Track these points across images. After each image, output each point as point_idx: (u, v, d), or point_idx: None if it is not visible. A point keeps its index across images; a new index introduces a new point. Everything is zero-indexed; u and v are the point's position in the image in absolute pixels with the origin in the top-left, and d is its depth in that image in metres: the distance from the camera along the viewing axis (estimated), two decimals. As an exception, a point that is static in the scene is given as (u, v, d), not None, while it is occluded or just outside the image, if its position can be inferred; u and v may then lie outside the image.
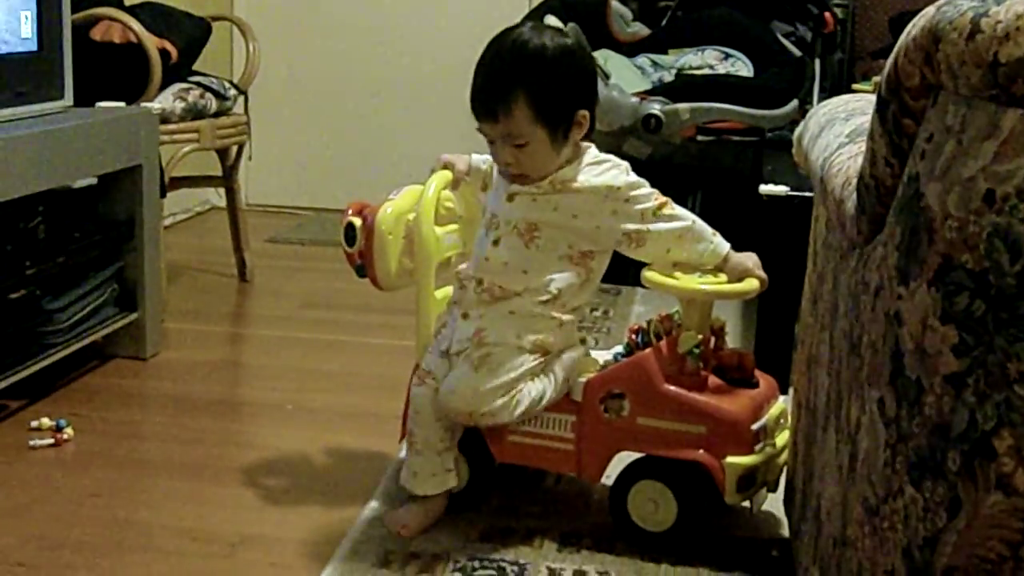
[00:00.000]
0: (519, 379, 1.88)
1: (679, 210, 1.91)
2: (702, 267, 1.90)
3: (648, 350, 1.90)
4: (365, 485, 2.13)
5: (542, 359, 1.89)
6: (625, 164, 1.93)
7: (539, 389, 1.89)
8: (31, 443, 2.28)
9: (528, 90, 1.81)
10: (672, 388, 1.86)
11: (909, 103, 1.03)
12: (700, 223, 1.91)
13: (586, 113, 1.87)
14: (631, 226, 1.87)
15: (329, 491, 2.13)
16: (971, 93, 0.93)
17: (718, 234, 1.92)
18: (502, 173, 1.92)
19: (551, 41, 1.85)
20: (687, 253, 1.89)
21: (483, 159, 2.04)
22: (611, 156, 1.94)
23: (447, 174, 2.02)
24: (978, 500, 0.92)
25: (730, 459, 1.83)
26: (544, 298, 1.89)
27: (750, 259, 1.91)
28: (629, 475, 1.92)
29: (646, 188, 1.90)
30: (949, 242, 0.94)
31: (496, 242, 1.91)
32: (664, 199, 1.91)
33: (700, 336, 1.87)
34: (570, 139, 1.87)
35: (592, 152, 1.92)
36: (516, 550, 1.89)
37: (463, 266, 1.99)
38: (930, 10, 0.98)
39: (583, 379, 1.92)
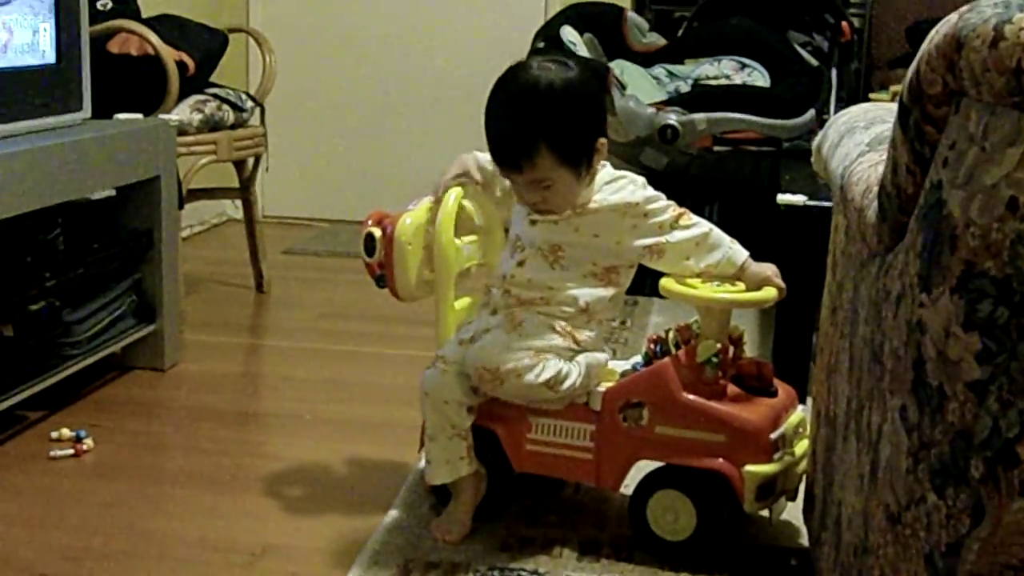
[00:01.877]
0: (548, 349, 1.89)
1: (696, 219, 1.92)
2: (720, 276, 1.91)
3: (667, 359, 1.90)
4: (384, 494, 2.13)
5: (572, 346, 1.91)
6: (641, 179, 1.94)
7: (566, 369, 1.90)
8: (51, 454, 2.28)
9: (548, 139, 1.81)
10: (691, 397, 1.86)
11: (931, 110, 1.03)
12: (717, 231, 1.92)
13: (604, 140, 1.88)
14: (650, 240, 1.89)
15: (348, 501, 2.13)
16: (994, 100, 0.93)
17: (736, 243, 1.92)
18: (520, 200, 1.93)
19: (559, 79, 1.83)
20: (705, 262, 1.90)
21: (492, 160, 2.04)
22: (626, 172, 1.95)
23: (460, 190, 2.03)
24: (1001, 507, 0.92)
25: (749, 467, 1.83)
26: (571, 310, 1.91)
27: (768, 268, 1.91)
28: (648, 485, 1.92)
29: (663, 201, 1.92)
30: (972, 249, 0.94)
31: (521, 263, 1.93)
32: (681, 210, 1.92)
33: (718, 345, 1.86)
34: (592, 168, 1.88)
35: (607, 170, 1.93)
36: (536, 559, 1.89)
37: (486, 280, 2.01)
38: (953, 17, 0.98)
39: (602, 388, 1.92)
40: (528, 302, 1.92)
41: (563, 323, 1.91)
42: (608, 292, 1.93)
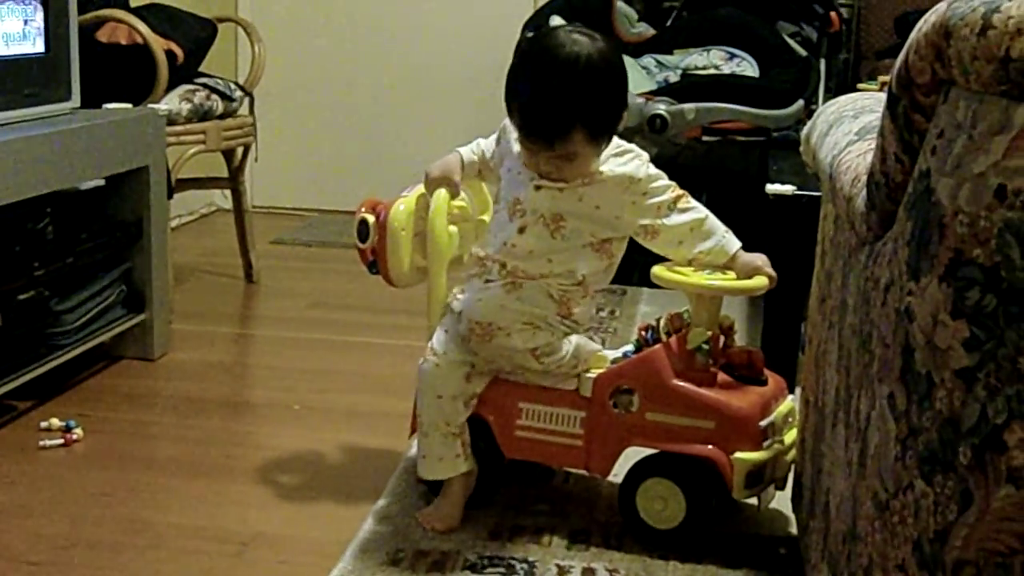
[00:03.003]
0: (542, 318, 1.90)
1: (694, 204, 1.93)
2: (711, 264, 1.91)
3: (657, 346, 1.91)
4: (374, 484, 2.13)
5: (565, 319, 1.92)
6: (646, 155, 1.94)
7: (556, 343, 1.91)
8: (41, 443, 2.28)
9: (585, 119, 1.81)
10: (681, 383, 1.87)
11: (920, 99, 1.03)
12: (713, 220, 1.93)
13: (625, 112, 1.89)
14: (646, 220, 1.90)
15: (338, 490, 2.13)
16: (982, 89, 0.93)
17: (730, 232, 1.93)
18: (528, 165, 1.91)
19: (596, 55, 1.81)
20: (697, 248, 1.91)
21: (476, 150, 2.04)
22: (633, 146, 1.95)
23: (445, 193, 2.02)
24: (989, 493, 0.92)
25: (738, 455, 1.83)
26: (569, 282, 1.91)
27: (759, 258, 1.91)
28: (637, 473, 1.93)
29: (664, 180, 1.92)
30: (960, 237, 0.94)
31: (522, 230, 1.91)
32: (681, 192, 1.93)
33: (709, 332, 1.87)
34: (610, 139, 1.89)
35: (615, 141, 1.92)
36: (525, 548, 1.89)
37: (476, 248, 1.99)
38: (942, 6, 0.98)
39: (592, 374, 1.93)
40: (527, 276, 1.91)
41: (560, 293, 1.91)
42: (603, 263, 1.94)
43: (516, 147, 1.92)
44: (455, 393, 1.95)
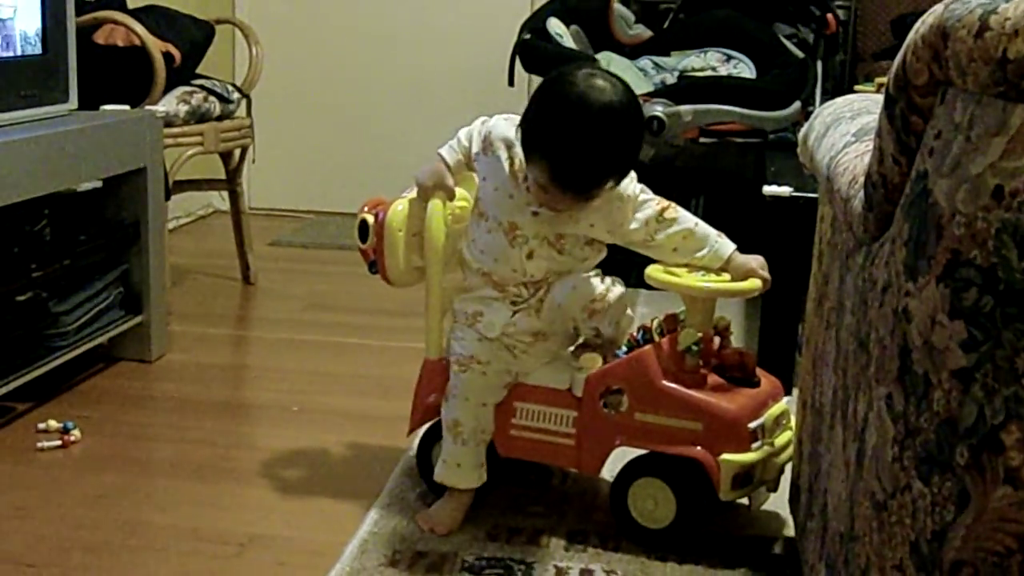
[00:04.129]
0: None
1: (682, 213, 1.94)
2: (708, 268, 1.92)
3: (648, 346, 1.91)
4: (372, 485, 2.13)
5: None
6: (632, 172, 1.95)
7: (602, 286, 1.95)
8: (39, 445, 2.28)
9: (618, 169, 1.85)
10: (670, 384, 1.87)
11: (917, 100, 1.03)
12: (703, 227, 1.94)
13: None
14: (639, 236, 1.94)
15: (336, 491, 2.14)
16: (979, 90, 0.93)
17: (723, 236, 1.94)
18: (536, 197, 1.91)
19: (625, 100, 1.82)
20: (690, 257, 1.93)
21: (458, 148, 2.01)
22: None
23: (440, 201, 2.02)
24: (986, 494, 0.93)
25: (726, 456, 1.84)
26: (587, 273, 1.95)
27: (754, 260, 1.92)
28: (629, 473, 1.93)
29: (649, 194, 1.96)
30: (957, 238, 0.95)
31: (531, 256, 1.94)
32: (666, 204, 1.95)
33: (700, 334, 1.87)
34: None
35: None
36: (523, 549, 1.90)
37: (470, 257, 1.99)
38: (938, 8, 0.98)
39: (584, 375, 1.93)
40: (547, 291, 1.96)
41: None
42: (601, 255, 2.00)
43: (507, 166, 1.93)
44: (496, 401, 1.97)
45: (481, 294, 1.99)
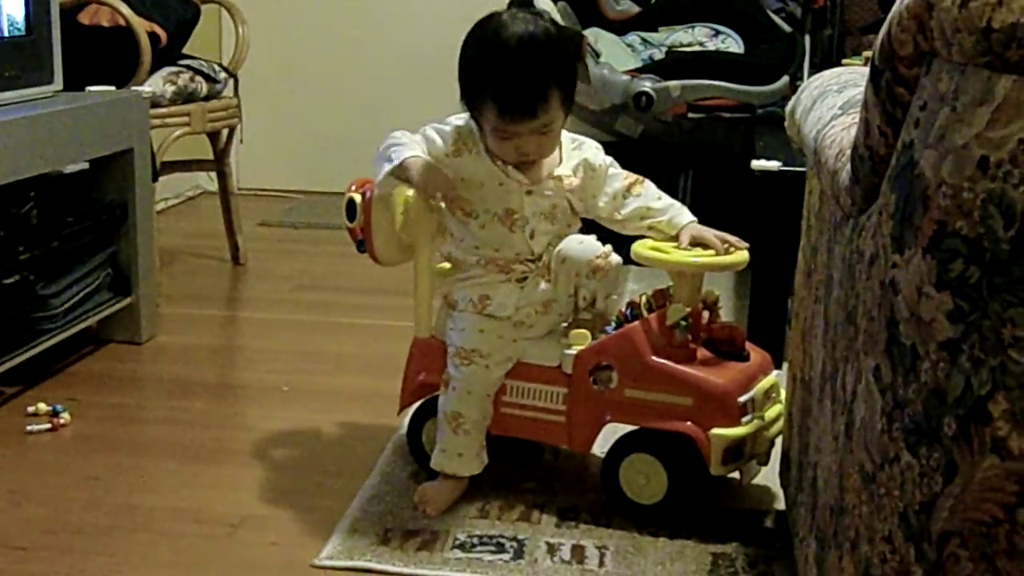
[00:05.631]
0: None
1: (648, 188, 2.01)
2: (665, 234, 1.98)
3: (636, 322, 1.91)
4: (363, 464, 2.14)
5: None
6: (598, 144, 2.05)
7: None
8: (28, 428, 2.28)
9: (558, 79, 1.87)
10: (658, 360, 1.88)
11: (903, 72, 1.03)
12: (666, 199, 2.01)
13: (578, 82, 1.97)
14: (605, 211, 2.01)
15: (327, 470, 2.14)
16: (965, 60, 0.93)
17: (685, 208, 2.00)
18: (500, 161, 1.93)
19: (549, 24, 1.90)
20: (645, 229, 2.00)
21: (420, 150, 1.96)
22: (583, 137, 2.05)
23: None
24: (974, 464, 0.93)
25: (716, 431, 1.84)
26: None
27: (708, 231, 1.96)
28: (620, 449, 1.94)
29: (617, 168, 2.03)
30: (944, 209, 0.94)
31: (532, 235, 1.97)
32: (635, 178, 2.02)
33: (688, 309, 1.88)
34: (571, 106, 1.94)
35: (566, 135, 2.02)
36: (515, 526, 1.90)
37: (477, 257, 1.99)
38: (923, -22, 0.98)
39: (573, 351, 1.93)
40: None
41: None
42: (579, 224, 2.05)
43: (487, 157, 1.94)
44: (497, 388, 1.98)
45: (484, 280, 1.99)
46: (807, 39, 3.87)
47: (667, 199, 2.01)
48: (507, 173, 1.94)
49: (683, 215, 1.98)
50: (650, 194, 2.00)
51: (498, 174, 1.94)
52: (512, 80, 1.84)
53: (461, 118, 1.98)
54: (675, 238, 1.96)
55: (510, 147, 1.90)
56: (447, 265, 2.05)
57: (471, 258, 2.00)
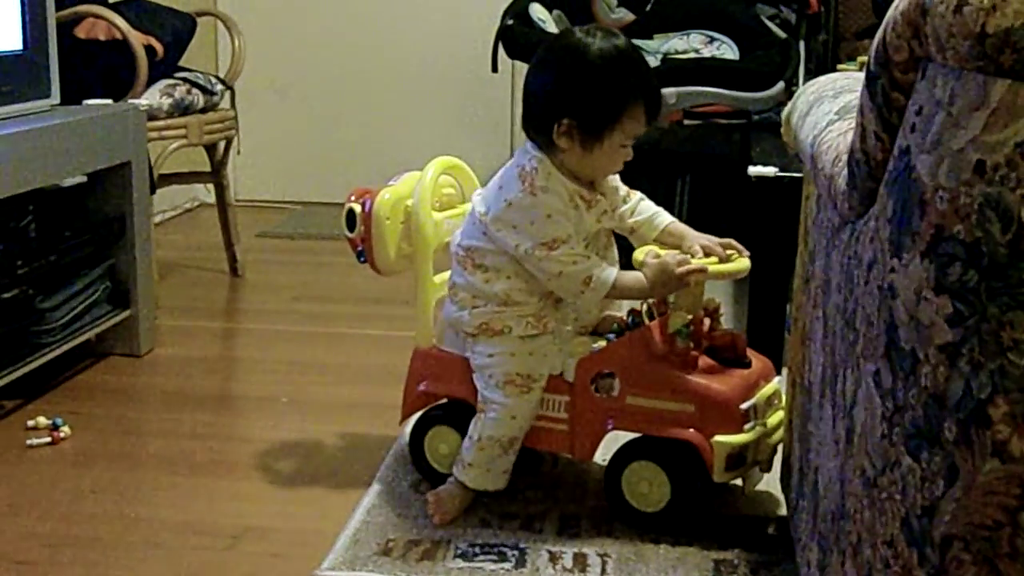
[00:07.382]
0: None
1: (636, 193, 2.04)
2: (645, 234, 1.99)
3: (638, 330, 1.91)
4: (363, 474, 2.14)
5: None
6: None
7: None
8: (28, 442, 2.28)
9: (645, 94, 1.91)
10: (661, 367, 1.87)
11: (898, 77, 1.03)
12: (647, 202, 2.03)
13: None
14: (623, 219, 2.01)
15: (328, 481, 2.14)
16: (959, 65, 0.93)
17: (662, 212, 2.03)
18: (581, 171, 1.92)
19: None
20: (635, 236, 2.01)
21: (565, 221, 1.90)
22: None
23: (447, 160, 2.05)
24: (975, 468, 0.93)
25: (719, 438, 1.84)
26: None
27: (689, 231, 1.98)
28: (622, 456, 1.93)
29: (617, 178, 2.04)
30: (941, 213, 0.95)
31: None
32: (628, 190, 2.04)
33: (689, 316, 1.88)
34: None
35: None
36: (516, 534, 1.90)
37: (542, 293, 1.94)
38: (917, -17, 0.98)
39: (575, 359, 1.93)
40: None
41: None
42: None
43: (565, 191, 1.88)
44: None
45: (540, 304, 1.93)
46: (802, 45, 3.88)
47: (648, 201, 2.03)
48: (577, 200, 1.90)
49: (663, 216, 2.01)
50: (635, 194, 2.03)
51: (580, 202, 1.91)
52: (652, 82, 1.92)
53: (518, 167, 1.90)
54: (661, 242, 1.97)
55: (624, 155, 1.91)
56: (446, 275, 2.04)
57: (535, 296, 1.93)
